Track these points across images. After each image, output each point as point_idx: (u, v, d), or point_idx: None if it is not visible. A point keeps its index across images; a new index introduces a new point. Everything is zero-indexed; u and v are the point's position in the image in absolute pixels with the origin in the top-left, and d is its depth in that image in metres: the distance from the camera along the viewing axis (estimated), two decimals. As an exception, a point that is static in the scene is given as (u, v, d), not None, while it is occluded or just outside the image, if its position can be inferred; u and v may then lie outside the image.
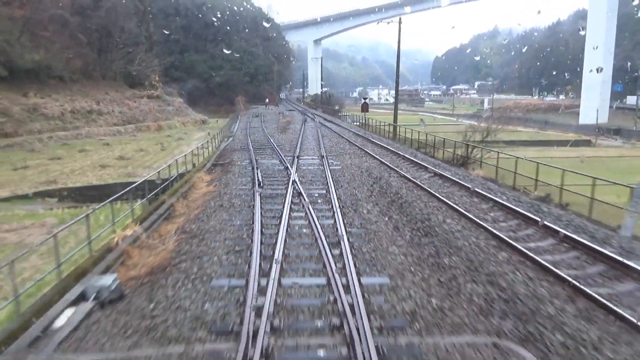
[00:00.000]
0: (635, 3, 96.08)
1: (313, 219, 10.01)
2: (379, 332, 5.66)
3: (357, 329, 5.43)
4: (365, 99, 53.15)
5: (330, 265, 7.48)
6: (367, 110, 42.99)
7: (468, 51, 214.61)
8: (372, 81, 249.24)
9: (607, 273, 7.49)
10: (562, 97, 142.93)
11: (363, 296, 6.48)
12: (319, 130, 31.97)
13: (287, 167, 16.89)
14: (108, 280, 6.94)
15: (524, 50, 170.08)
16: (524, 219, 10.39)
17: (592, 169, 21.06)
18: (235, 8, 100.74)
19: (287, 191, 12.68)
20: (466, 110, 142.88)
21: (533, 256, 8.01)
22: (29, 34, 43.27)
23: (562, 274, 7.24)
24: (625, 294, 6.74)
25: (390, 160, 19.19)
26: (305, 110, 63.15)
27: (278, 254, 8.11)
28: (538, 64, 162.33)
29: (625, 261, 7.51)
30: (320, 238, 8.82)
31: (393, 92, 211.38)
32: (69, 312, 6.31)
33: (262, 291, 6.61)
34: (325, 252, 8.10)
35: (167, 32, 75.82)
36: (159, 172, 14.74)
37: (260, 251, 8.30)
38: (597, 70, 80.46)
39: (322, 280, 7.22)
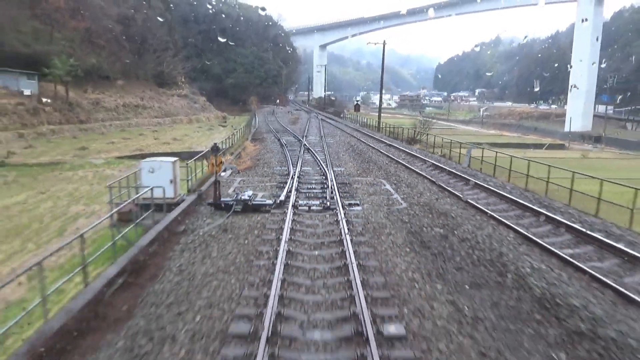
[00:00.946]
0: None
1: (315, 156, 21.09)
2: (335, 178, 16.65)
3: (329, 178, 16.44)
4: (357, 101, 64.60)
5: (321, 169, 18.53)
6: (359, 110, 54.49)
7: (471, 57, 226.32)
8: (375, 86, 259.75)
9: (435, 169, 18.48)
10: (554, 105, 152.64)
11: (333, 172, 17.50)
12: (320, 123, 43.27)
13: (299, 140, 28.04)
14: (233, 167, 17.97)
15: (515, 58, 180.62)
16: (418, 159, 21.39)
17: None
18: (248, 16, 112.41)
19: (300, 149, 23.79)
20: (463, 116, 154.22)
21: (400, 161, 19.02)
22: (87, 41, 54.72)
23: (391, 155, 18.26)
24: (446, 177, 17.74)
25: (365, 139, 30.31)
26: (310, 110, 74.63)
27: (305, 132, 19.23)
28: (535, 73, 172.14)
29: (446, 167, 18.50)
30: (318, 161, 19.96)
31: (395, 97, 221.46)
32: (225, 173, 17.34)
33: (294, 170, 17.65)
34: (320, 165, 19.19)
35: (187, 38, 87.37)
36: (215, 143, 25.72)
37: (295, 134, 19.40)
38: (572, 87, 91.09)
39: (318, 169, 18.28)
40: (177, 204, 12.56)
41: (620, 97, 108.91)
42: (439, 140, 28.53)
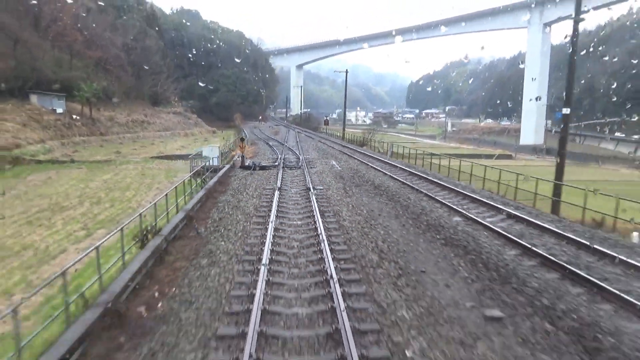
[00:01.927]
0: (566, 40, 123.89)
1: (293, 151, 33.72)
2: (305, 159, 29.15)
3: (301, 159, 28.94)
4: (326, 117, 77.87)
5: (297, 156, 31.07)
6: (328, 124, 67.60)
7: (441, 76, 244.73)
8: (351, 103, 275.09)
9: (366, 157, 31.23)
10: (514, 121, 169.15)
11: (304, 157, 30.03)
12: (297, 134, 56.13)
13: (282, 144, 40.64)
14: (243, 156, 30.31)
15: (481, 77, 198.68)
16: (358, 152, 34.13)
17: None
18: (230, 40, 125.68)
19: (283, 148, 36.36)
20: (431, 132, 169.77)
21: (346, 152, 31.72)
22: (99, 68, 66.52)
23: (347, 151, 30.98)
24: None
25: (330, 143, 43.11)
26: (288, 126, 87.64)
27: (286, 139, 31.91)
28: (499, 91, 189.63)
29: (374, 155, 31.26)
30: (295, 153, 32.62)
31: (370, 114, 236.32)
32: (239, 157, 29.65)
33: (281, 157, 30.13)
34: (296, 154, 31.79)
35: (175, 61, 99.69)
36: (219, 147, 37.99)
37: (279, 140, 32.09)
38: (526, 104, 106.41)
39: (294, 156, 30.83)
40: (221, 169, 24.80)
41: (562, 113, 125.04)
42: (380, 144, 41.47)
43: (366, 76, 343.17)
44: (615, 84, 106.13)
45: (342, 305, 7.03)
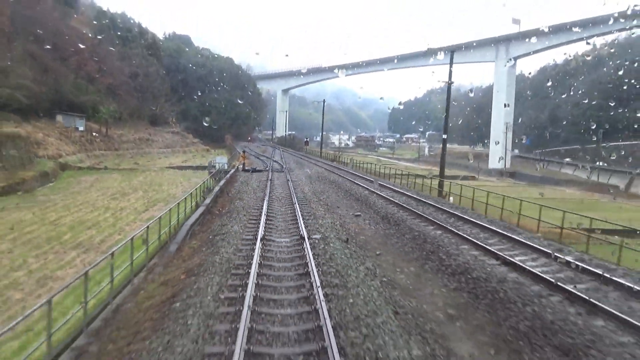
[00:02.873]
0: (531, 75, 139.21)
1: (279, 163, 46.08)
2: (287, 168, 41.43)
3: (284, 167, 41.23)
4: (306, 139, 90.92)
5: (281, 166, 43.39)
6: (308, 145, 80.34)
7: (422, 102, 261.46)
8: (335, 126, 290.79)
9: (335, 167, 43.70)
10: (487, 147, 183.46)
11: (287, 167, 42.31)
12: (282, 152, 68.58)
13: (270, 158, 52.97)
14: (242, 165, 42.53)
15: (460, 104, 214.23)
16: (329, 164, 46.54)
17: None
18: (220, 66, 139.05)
19: (271, 161, 48.70)
20: (410, 155, 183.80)
21: (319, 165, 44.15)
22: (110, 92, 78.51)
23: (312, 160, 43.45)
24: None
25: (308, 159, 55.63)
26: (274, 146, 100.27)
27: (272, 156, 44.25)
28: (475, 118, 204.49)
29: (341, 167, 43.71)
30: (280, 164, 44.88)
31: (353, 137, 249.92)
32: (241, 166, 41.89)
33: (270, 165, 42.42)
34: (281, 165, 44.06)
35: (170, 85, 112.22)
36: (227, 157, 50.09)
37: (267, 156, 44.42)
38: (493, 130, 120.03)
39: (279, 166, 43.17)
40: (229, 171, 36.87)
41: (529, 140, 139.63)
42: (349, 160, 54.09)
43: (351, 100, 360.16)
44: (577, 114, 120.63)
45: (299, 209, 19.19)
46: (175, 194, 32.67)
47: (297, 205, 19.49)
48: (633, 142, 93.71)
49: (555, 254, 12.82)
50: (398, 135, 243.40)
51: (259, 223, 15.34)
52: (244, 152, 39.21)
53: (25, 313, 7.19)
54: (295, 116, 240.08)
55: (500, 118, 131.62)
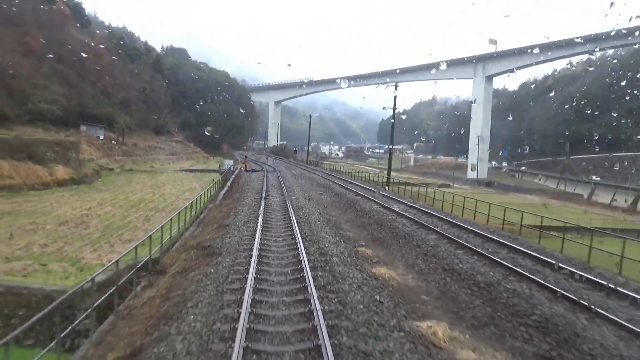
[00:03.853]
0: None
1: (272, 167, 59.10)
2: (278, 171, 54.42)
3: (276, 169, 54.26)
4: (295, 148, 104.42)
5: (274, 169, 56.45)
6: (297, 153, 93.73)
7: (411, 115, 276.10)
8: (326, 137, 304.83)
9: (315, 169, 56.71)
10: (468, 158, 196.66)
11: (278, 170, 55.35)
12: (275, 160, 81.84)
13: (264, 163, 65.98)
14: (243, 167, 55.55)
15: (447, 116, 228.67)
16: (311, 168, 59.59)
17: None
18: (217, 79, 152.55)
19: (266, 164, 61.67)
20: (396, 165, 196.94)
21: (304, 168, 57.20)
22: (123, 105, 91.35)
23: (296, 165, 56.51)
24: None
25: (295, 165, 68.67)
26: (267, 154, 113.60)
27: (266, 162, 57.46)
28: (458, 129, 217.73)
29: (319, 169, 56.83)
30: (273, 167, 57.93)
31: (343, 147, 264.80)
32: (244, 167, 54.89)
33: (265, 168, 55.45)
34: (274, 168, 57.11)
35: (172, 96, 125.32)
36: (229, 166, 62.93)
37: (262, 162, 57.57)
38: (471, 143, 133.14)
39: (272, 168, 56.21)
40: (234, 171, 49.75)
41: (508, 152, 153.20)
42: (329, 166, 67.15)
43: (343, 112, 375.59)
44: (549, 128, 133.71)
45: (285, 190, 32.12)
46: (195, 187, 45.42)
47: (285, 188, 32.55)
48: (599, 155, 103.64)
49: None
50: (386, 146, 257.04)
51: (262, 194, 28.36)
52: (245, 157, 52.23)
53: (162, 222, 20.14)
54: (286, 127, 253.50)
55: (477, 131, 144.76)
